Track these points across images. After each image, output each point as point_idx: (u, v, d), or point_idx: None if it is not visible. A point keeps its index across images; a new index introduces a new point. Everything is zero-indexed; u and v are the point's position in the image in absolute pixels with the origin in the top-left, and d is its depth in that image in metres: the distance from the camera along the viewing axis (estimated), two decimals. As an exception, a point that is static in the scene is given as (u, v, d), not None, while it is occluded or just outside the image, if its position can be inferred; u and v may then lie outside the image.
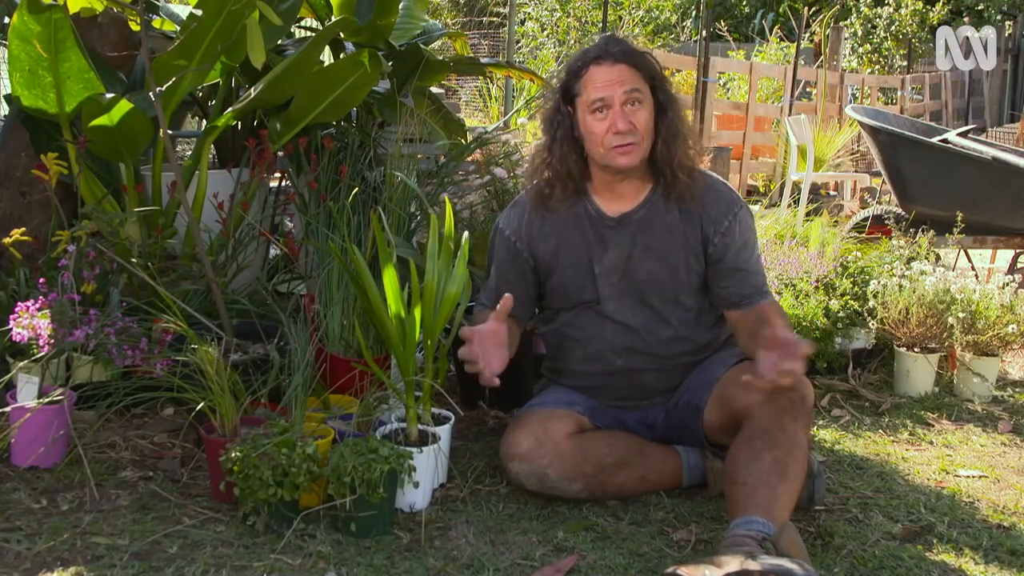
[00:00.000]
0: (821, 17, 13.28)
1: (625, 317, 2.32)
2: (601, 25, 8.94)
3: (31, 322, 2.30)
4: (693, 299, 2.33)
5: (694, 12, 16.89)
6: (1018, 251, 4.82)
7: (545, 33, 13.49)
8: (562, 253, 2.35)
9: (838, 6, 15.36)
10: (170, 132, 2.69)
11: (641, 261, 2.30)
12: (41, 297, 2.35)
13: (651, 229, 2.30)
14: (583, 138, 2.27)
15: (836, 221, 4.59)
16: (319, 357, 2.47)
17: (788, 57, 11.16)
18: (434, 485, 2.27)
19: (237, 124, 3.35)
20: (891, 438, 2.81)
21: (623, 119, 2.18)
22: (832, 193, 8.15)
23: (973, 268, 5.01)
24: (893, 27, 14.69)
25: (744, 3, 19.19)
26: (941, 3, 14.74)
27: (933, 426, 2.93)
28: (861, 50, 14.88)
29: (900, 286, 3.24)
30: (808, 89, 10.70)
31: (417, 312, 2.22)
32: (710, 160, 2.47)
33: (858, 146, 9.07)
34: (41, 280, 2.44)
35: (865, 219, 4.93)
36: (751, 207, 4.70)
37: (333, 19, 3.37)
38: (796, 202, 6.42)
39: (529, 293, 2.41)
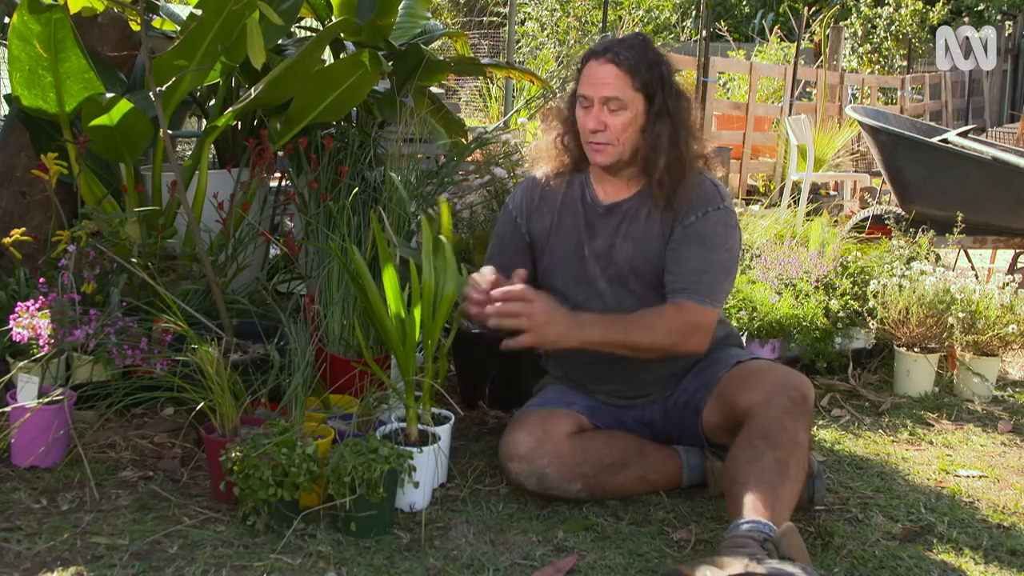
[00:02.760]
0: (821, 17, 13.28)
1: (613, 300, 2.33)
2: (601, 25, 8.94)
3: (31, 322, 2.30)
4: None
5: (694, 12, 16.90)
6: (1018, 251, 4.82)
7: (545, 33, 13.48)
8: (554, 232, 2.38)
9: (838, 6, 15.37)
10: (170, 132, 2.68)
11: (621, 248, 2.32)
12: (41, 297, 2.35)
13: (636, 218, 2.32)
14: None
15: (836, 221, 4.59)
16: (319, 357, 2.47)
17: (788, 57, 11.16)
18: (434, 485, 2.27)
19: (237, 124, 3.35)
20: (891, 438, 2.81)
21: (594, 119, 2.23)
22: (832, 193, 8.15)
23: (973, 268, 5.01)
24: (893, 27, 14.68)
25: (744, 3, 19.19)
26: (941, 3, 14.73)
27: (933, 426, 2.93)
28: (861, 50, 14.87)
29: (900, 286, 3.24)
30: (808, 89, 10.70)
31: (417, 312, 2.22)
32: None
33: (858, 146, 9.06)
34: (41, 280, 2.44)
35: (865, 219, 4.92)
36: (751, 207, 4.71)
37: (333, 19, 3.37)
38: (796, 202, 6.42)
39: (521, 266, 2.39)
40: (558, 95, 2.45)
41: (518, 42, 12.61)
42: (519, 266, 2.37)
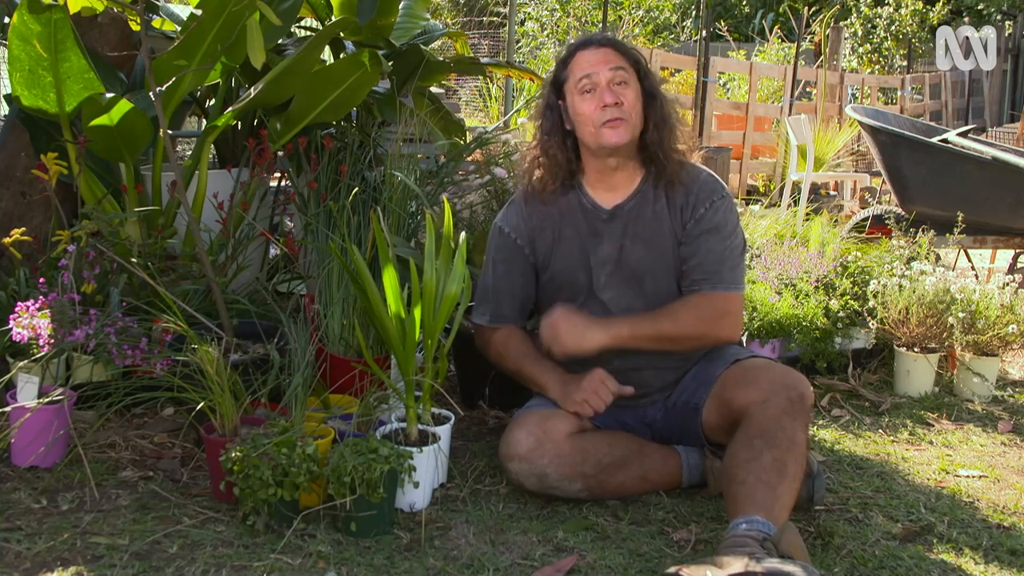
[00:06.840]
0: (821, 17, 13.27)
1: (620, 308, 2.32)
2: (601, 25, 8.93)
3: (31, 322, 2.30)
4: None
5: (694, 12, 16.90)
6: (1018, 251, 4.82)
7: (545, 33, 13.49)
8: (556, 246, 2.37)
9: (838, 6, 15.37)
10: (170, 132, 2.68)
11: (632, 249, 2.32)
12: (41, 297, 2.35)
13: (641, 218, 2.33)
14: (574, 127, 2.31)
15: (836, 221, 4.59)
16: (319, 357, 2.47)
17: (788, 57, 11.16)
18: (434, 485, 2.27)
19: (237, 124, 3.35)
20: (891, 438, 2.81)
21: (610, 93, 2.24)
22: (832, 193, 8.15)
23: (973, 268, 5.01)
24: (893, 27, 14.69)
25: (744, 3, 19.19)
26: (941, 3, 14.73)
27: (933, 426, 2.93)
28: (861, 50, 14.88)
29: (900, 286, 3.24)
30: (808, 89, 10.70)
31: (417, 312, 2.22)
32: (707, 158, 2.50)
33: (858, 146, 9.06)
34: (41, 280, 2.44)
35: (865, 219, 4.92)
36: (751, 207, 4.71)
37: (333, 19, 3.37)
38: (796, 202, 6.42)
39: (530, 291, 2.43)
40: (539, 97, 2.44)
41: (518, 42, 12.62)
42: (528, 289, 2.42)
